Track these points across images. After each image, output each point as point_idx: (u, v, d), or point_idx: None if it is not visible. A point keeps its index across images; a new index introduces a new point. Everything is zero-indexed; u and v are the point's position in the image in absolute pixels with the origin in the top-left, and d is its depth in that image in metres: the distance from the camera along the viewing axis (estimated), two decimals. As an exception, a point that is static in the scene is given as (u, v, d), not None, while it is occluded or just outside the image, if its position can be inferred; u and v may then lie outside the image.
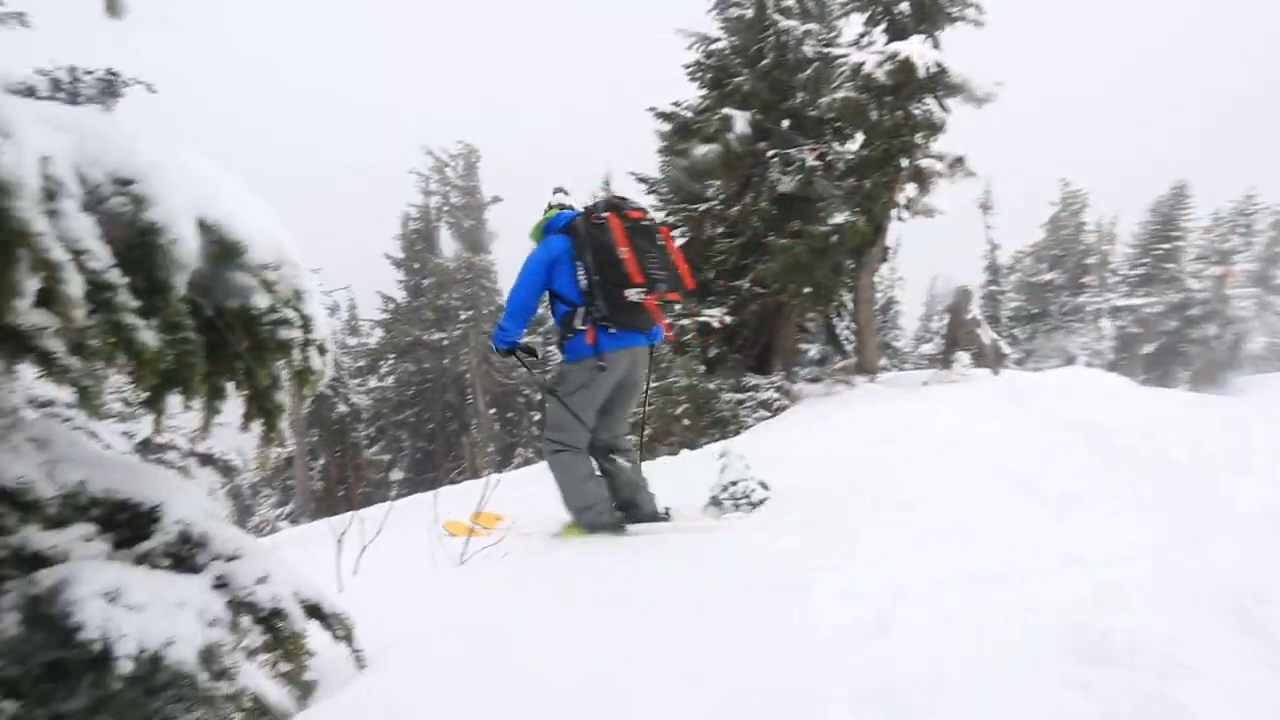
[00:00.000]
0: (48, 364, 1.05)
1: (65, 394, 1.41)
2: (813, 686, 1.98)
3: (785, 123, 12.50)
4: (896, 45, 8.77)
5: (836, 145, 11.91)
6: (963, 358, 11.86)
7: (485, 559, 4.75)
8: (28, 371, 1.33)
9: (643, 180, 14.17)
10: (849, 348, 15.39)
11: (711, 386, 12.39)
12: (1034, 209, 34.05)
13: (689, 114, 13.60)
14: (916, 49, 8.52)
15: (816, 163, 11.25)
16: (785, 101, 11.90)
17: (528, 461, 19.45)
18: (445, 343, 22.91)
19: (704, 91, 13.26)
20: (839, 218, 11.38)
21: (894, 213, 11.22)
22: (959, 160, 9.49)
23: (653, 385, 12.84)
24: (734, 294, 13.22)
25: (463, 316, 23.13)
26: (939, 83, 8.81)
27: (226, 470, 13.40)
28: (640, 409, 5.01)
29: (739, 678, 2.09)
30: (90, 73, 9.43)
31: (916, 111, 8.83)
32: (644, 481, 4.29)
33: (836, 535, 3.70)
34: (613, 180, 23.18)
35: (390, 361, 22.97)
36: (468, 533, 4.39)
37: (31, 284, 0.92)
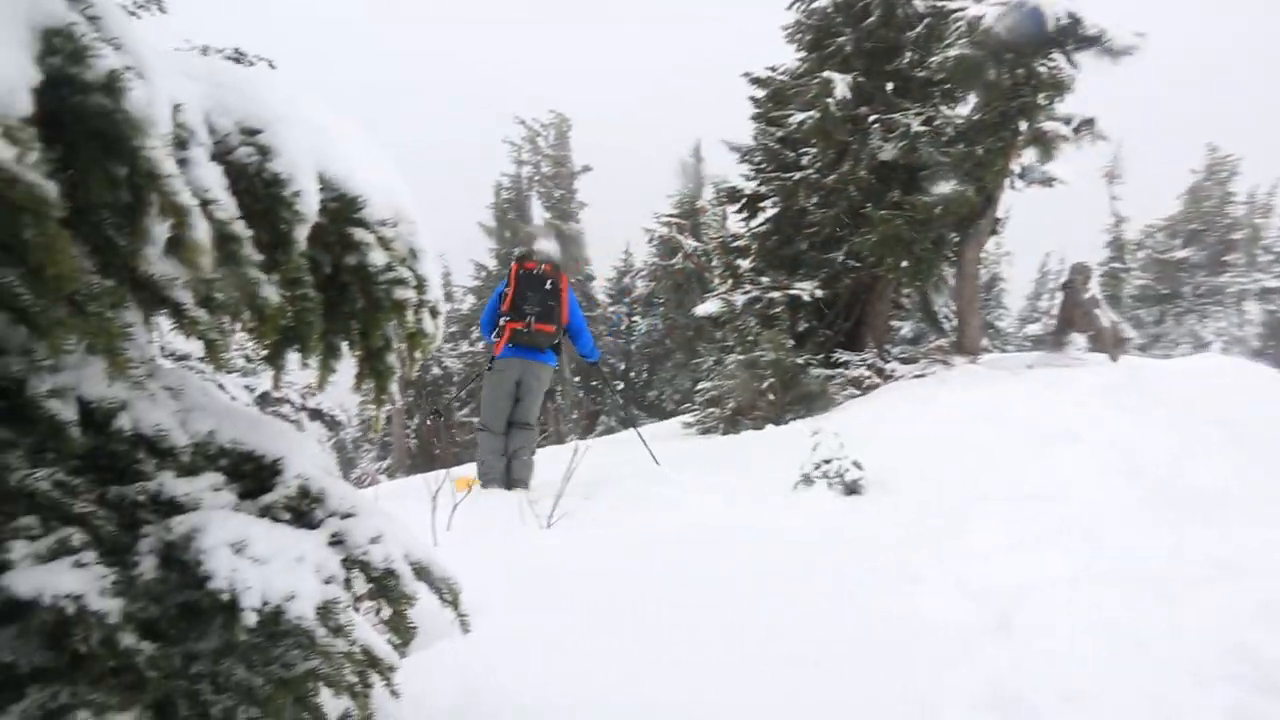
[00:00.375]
0: (179, 316, 1.05)
1: (196, 347, 1.43)
2: (932, 688, 1.84)
3: (889, 86, 11.76)
4: (1023, -6, 7.96)
5: (945, 109, 11.10)
6: (1077, 340, 10.95)
7: (574, 522, 4.81)
8: (164, 325, 1.36)
9: (735, 149, 13.76)
10: (947, 326, 14.55)
11: (799, 361, 12.03)
12: (1170, 177, 30.60)
13: (785, 79, 13.03)
14: (1046, -2, 7.72)
15: (923, 128, 10.53)
16: (890, 63, 11.18)
17: (610, 430, 19.70)
18: (533, 310, 23.44)
19: (802, 54, 12.65)
20: (945, 187, 10.62)
21: (1007, 182, 10.37)
22: (1088, 122, 8.60)
23: (738, 358, 12.63)
24: (826, 267, 12.70)
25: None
26: (1070, 35, 7.96)
27: (332, 425, 14.29)
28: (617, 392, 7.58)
29: (855, 672, 1.98)
30: (220, 51, 10.05)
31: (1041, 69, 8.02)
32: (522, 458, 5.52)
33: (944, 525, 3.48)
34: (703, 149, 22.71)
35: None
36: (468, 486, 5.22)
37: (161, 229, 0.91)
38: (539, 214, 24.17)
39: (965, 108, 10.74)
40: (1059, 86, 8.12)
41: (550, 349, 5.17)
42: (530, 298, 4.90)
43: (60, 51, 0.76)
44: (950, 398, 8.37)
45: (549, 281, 4.93)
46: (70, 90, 0.79)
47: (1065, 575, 2.72)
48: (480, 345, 24.33)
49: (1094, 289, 10.66)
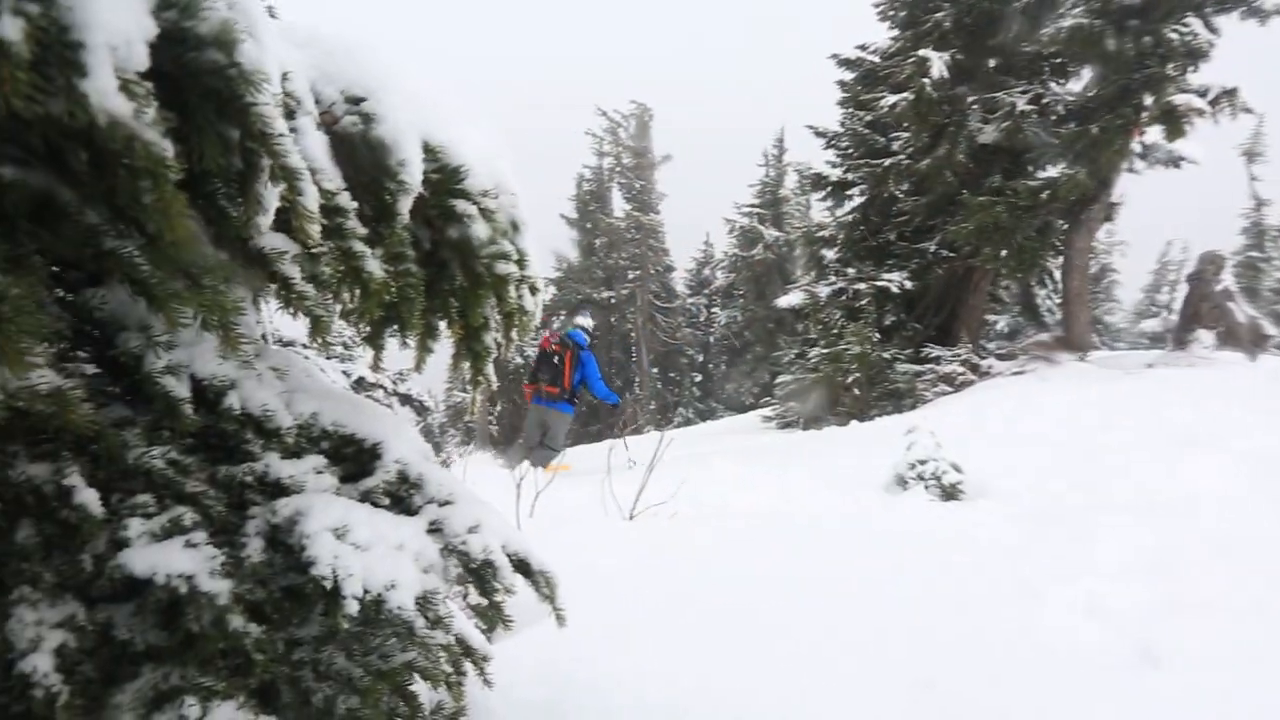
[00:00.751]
0: (287, 291, 1.02)
1: (301, 332, 1.40)
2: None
3: (991, 63, 11.02)
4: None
5: (1055, 85, 10.28)
6: (1204, 338, 9.95)
7: (657, 514, 4.74)
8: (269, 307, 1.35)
9: (820, 134, 13.30)
10: (1050, 321, 13.58)
11: (886, 356, 11.53)
12: (1321, 155, 27.19)
13: (876, 59, 12.45)
14: (1181, -43, 6.95)
15: (1029, 106, 9.79)
16: (994, 37, 10.44)
17: (688, 421, 19.59)
18: (613, 301, 23.57)
19: (895, 32, 12.04)
20: (1053, 170, 9.86)
21: (1125, 163, 9.51)
22: (1228, 94, 7.72)
23: (821, 352, 12.22)
24: (917, 257, 12.08)
25: (630, 276, 23.61)
26: (1209, -3, 7.16)
27: (421, 409, 14.86)
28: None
29: (977, 699, 1.80)
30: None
31: (1172, 35, 7.24)
32: (538, 455, 7.02)
33: (1062, 536, 3.18)
34: (787, 135, 22.14)
35: (561, 318, 24.13)
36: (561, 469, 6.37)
37: (271, 197, 0.87)
38: (619, 205, 24.28)
39: (1079, 83, 9.92)
40: (1193, 55, 7.31)
41: (563, 401, 7.15)
42: (543, 369, 7.15)
43: (175, 5, 0.73)
44: (1057, 398, 7.76)
45: (556, 358, 7.07)
46: (184, 47, 0.75)
47: (1210, 599, 2.41)
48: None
49: (1227, 280, 9.64)
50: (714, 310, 25.41)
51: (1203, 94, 7.87)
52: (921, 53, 10.16)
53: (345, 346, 10.91)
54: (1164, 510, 3.61)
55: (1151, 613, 2.26)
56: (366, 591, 1.04)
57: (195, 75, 0.76)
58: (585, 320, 7.43)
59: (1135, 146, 8.94)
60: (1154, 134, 8.54)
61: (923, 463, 5.14)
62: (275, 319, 1.85)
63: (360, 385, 11.60)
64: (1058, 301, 13.24)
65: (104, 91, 0.64)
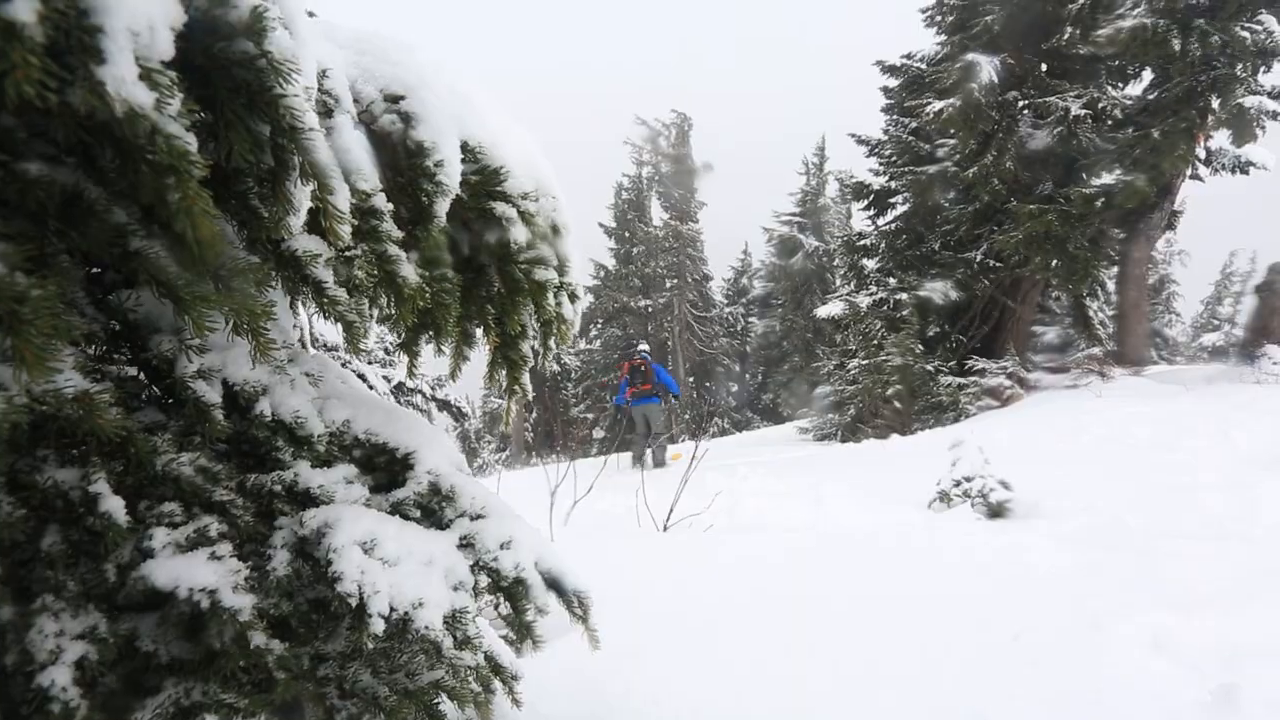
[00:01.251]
0: (320, 296, 0.99)
1: (338, 337, 1.36)
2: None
3: (1043, 67, 10.69)
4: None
5: (1112, 89, 9.90)
6: (1274, 352, 9.42)
7: (692, 527, 4.65)
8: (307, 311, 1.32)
9: (862, 142, 13.07)
10: (1103, 333, 13.05)
11: (929, 368, 11.22)
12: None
13: (921, 65, 12.20)
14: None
15: (1083, 111, 9.44)
16: (1046, 41, 10.12)
17: (723, 432, 19.39)
18: (650, 309, 23.54)
19: (941, 38, 11.79)
20: (1108, 177, 9.47)
21: (1187, 169, 9.09)
22: (1303, 96, 7.31)
23: (861, 363, 11.96)
24: (962, 267, 11.74)
25: (668, 284, 23.56)
26: (1284, -6, 6.78)
27: (459, 416, 15.01)
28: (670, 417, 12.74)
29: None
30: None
31: (1244, 34, 6.88)
32: (655, 447, 9.64)
33: (1123, 562, 2.98)
34: (828, 143, 21.88)
35: (599, 325, 24.18)
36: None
37: (303, 196, 0.83)
38: (658, 214, 24.26)
39: (1138, 86, 9.53)
40: (1265, 54, 6.92)
41: (654, 395, 9.67)
42: (636, 377, 9.70)
43: (203, -8, 0.69)
44: (1111, 414, 7.41)
45: (643, 368, 9.67)
46: (214, 37, 0.72)
47: (1294, 637, 2.22)
48: (597, 344, 24.85)
49: (1300, 292, 9.11)
50: (751, 320, 25.18)
51: (1275, 95, 7.46)
52: (970, 57, 9.91)
53: (386, 352, 11.10)
54: (1238, 538, 3.38)
55: (1227, 650, 2.08)
56: (393, 610, 0.99)
57: (225, 67, 0.73)
58: (645, 346, 10.34)
59: (1200, 151, 8.54)
60: (1220, 138, 8.15)
61: (969, 479, 4.94)
62: (316, 325, 1.82)
63: (400, 390, 11.76)
64: (1111, 314, 12.73)
65: (123, 80, 0.61)
